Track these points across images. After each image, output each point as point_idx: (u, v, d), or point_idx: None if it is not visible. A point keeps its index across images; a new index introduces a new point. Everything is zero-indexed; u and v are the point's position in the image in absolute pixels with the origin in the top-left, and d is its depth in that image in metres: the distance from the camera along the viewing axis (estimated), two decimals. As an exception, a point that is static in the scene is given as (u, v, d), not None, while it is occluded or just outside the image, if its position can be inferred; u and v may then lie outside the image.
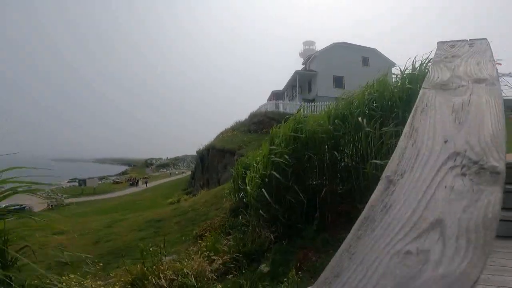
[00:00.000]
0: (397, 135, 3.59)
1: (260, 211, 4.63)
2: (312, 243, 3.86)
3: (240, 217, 6.15)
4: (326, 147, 4.61)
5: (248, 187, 5.15)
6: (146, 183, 42.66)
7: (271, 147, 4.83)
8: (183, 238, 8.13)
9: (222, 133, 29.18)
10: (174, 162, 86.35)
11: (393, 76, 4.22)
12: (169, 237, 9.09)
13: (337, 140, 4.54)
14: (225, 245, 4.44)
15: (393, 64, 30.56)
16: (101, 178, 60.04)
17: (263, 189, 4.56)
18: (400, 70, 4.11)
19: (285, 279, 3.01)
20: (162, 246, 3.91)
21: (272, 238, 4.15)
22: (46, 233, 11.90)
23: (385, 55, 29.43)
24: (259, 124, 25.44)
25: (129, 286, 2.93)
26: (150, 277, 2.92)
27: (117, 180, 52.86)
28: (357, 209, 3.89)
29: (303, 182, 4.67)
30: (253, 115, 28.99)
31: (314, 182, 4.79)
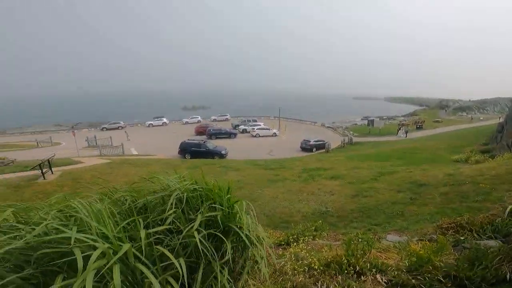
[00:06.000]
0: None
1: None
2: None
3: None
4: None
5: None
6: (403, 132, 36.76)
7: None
8: (435, 218, 7.53)
9: None
10: (480, 106, 68.45)
11: None
12: (422, 210, 8.76)
13: None
14: (447, 258, 3.90)
15: None
16: (389, 118, 63.06)
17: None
18: None
19: None
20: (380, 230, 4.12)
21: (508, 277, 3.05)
22: (327, 175, 15.92)
23: None
24: None
25: (322, 267, 3.00)
26: (343, 265, 2.97)
27: (403, 122, 52.72)
28: None
29: None
30: None
31: None
